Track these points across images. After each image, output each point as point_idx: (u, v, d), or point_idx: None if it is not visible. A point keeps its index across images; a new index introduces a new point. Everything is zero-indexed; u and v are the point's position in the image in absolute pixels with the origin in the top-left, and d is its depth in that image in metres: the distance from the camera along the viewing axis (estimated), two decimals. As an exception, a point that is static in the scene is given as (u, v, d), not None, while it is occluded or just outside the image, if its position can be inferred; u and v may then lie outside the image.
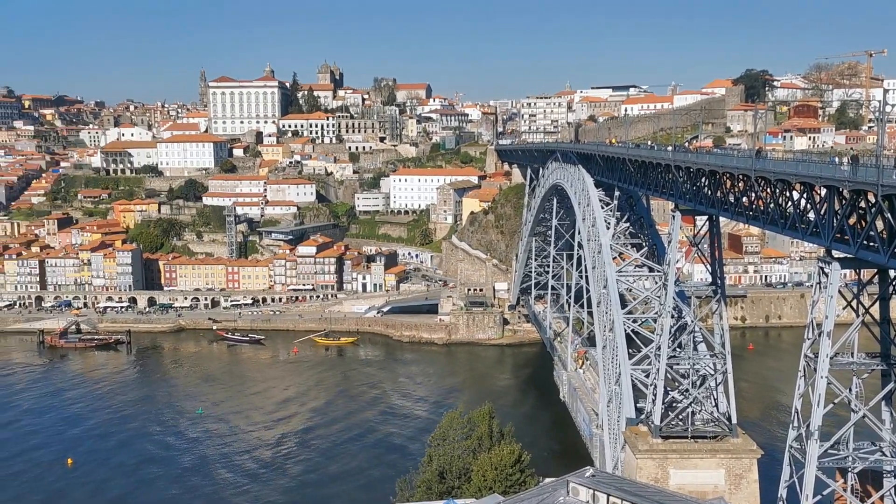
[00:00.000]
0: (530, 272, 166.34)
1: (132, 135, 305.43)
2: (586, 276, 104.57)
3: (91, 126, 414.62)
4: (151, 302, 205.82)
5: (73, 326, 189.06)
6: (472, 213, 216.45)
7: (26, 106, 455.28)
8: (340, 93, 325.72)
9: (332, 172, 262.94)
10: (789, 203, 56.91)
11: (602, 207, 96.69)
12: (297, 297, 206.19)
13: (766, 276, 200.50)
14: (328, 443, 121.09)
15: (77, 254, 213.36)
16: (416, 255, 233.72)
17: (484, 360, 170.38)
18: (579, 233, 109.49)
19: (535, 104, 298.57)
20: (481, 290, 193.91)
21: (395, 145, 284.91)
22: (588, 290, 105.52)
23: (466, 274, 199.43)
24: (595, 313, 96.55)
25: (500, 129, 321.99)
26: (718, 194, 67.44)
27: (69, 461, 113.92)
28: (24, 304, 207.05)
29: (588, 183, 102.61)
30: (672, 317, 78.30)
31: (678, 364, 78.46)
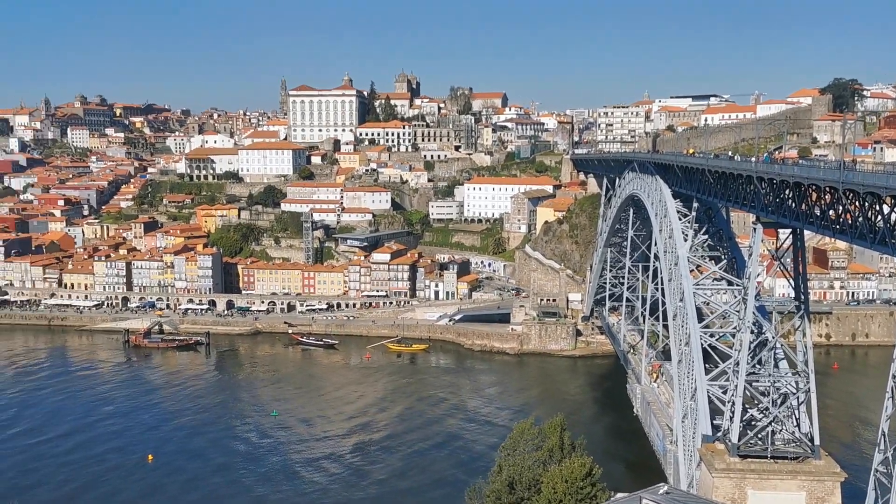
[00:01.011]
0: (605, 283, 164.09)
1: (215, 142, 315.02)
2: (662, 289, 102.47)
3: (177, 133, 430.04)
4: (230, 305, 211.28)
5: (156, 327, 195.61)
6: (546, 222, 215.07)
7: (117, 114, 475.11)
8: (417, 101, 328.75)
9: (407, 180, 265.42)
10: (879, 217, 54.60)
11: (680, 219, 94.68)
12: (370, 303, 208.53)
13: (853, 293, 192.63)
14: (398, 449, 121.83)
15: (161, 256, 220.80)
16: (489, 264, 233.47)
17: (556, 372, 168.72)
18: (655, 244, 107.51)
19: (611, 113, 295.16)
20: (554, 300, 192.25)
21: (469, 154, 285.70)
22: (664, 303, 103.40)
23: (539, 284, 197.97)
24: (671, 326, 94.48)
25: (575, 139, 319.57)
26: (803, 207, 65.21)
27: (150, 457, 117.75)
28: (111, 304, 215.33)
29: (665, 194, 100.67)
30: (752, 332, 75.99)
31: (757, 381, 76.06)
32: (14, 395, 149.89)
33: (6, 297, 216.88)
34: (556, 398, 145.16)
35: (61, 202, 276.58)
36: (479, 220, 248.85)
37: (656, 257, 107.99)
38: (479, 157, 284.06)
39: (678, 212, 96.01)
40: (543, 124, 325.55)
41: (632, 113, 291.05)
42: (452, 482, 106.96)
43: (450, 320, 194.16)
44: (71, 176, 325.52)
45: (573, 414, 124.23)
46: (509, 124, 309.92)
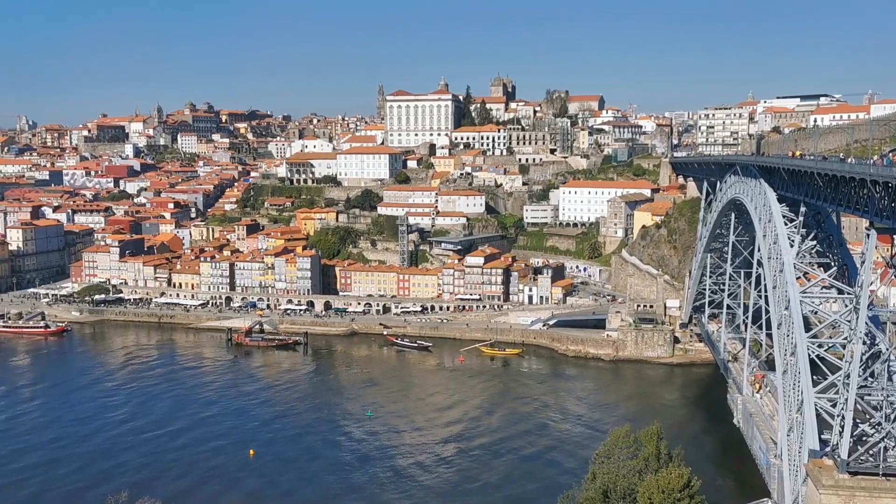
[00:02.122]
0: (704, 289, 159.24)
1: (314, 147, 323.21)
2: (766, 296, 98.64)
3: (278, 138, 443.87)
4: (327, 306, 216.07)
5: (257, 326, 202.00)
6: (643, 226, 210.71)
7: (223, 120, 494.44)
8: (512, 105, 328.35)
9: (501, 184, 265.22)
10: None
11: (785, 224, 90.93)
12: (464, 307, 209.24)
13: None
14: (492, 452, 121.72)
15: (262, 258, 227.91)
16: (584, 269, 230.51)
17: (652, 379, 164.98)
18: (759, 250, 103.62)
19: (713, 115, 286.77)
20: (651, 306, 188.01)
21: (565, 157, 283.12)
22: (767, 311, 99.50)
23: (636, 289, 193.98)
24: (775, 336, 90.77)
25: (674, 142, 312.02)
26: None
27: (251, 452, 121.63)
28: (215, 303, 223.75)
29: (770, 198, 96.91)
30: (864, 343, 72.19)
31: (870, 395, 72.20)
32: (128, 389, 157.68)
33: (121, 295, 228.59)
34: (652, 406, 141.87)
35: (171, 205, 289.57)
36: (575, 224, 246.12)
37: (760, 263, 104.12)
38: (574, 160, 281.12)
39: (784, 216, 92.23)
40: (641, 127, 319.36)
41: (735, 114, 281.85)
42: (544, 489, 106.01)
43: (544, 325, 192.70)
44: (180, 180, 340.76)
45: (670, 423, 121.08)
46: (606, 127, 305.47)
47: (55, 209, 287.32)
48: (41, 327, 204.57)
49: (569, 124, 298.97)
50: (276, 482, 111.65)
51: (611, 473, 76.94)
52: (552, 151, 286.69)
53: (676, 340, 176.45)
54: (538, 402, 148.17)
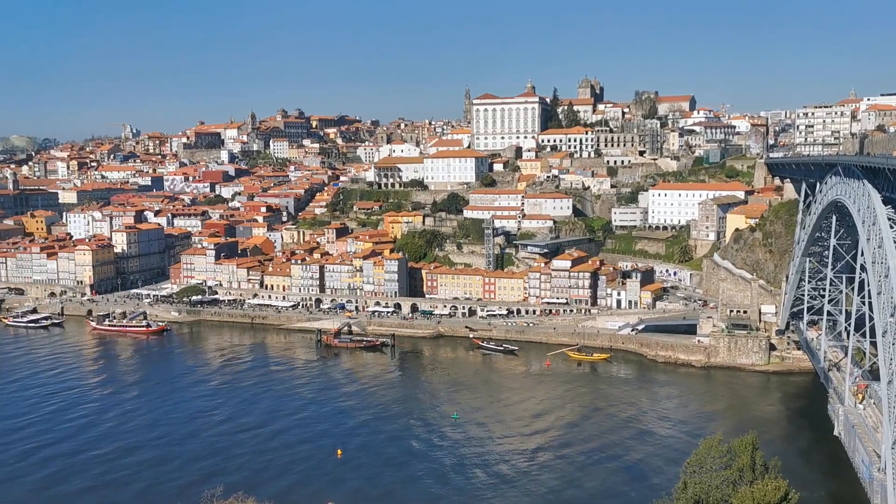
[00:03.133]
0: (802, 295, 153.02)
1: (402, 151, 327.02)
2: (869, 303, 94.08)
3: (367, 143, 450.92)
4: (414, 308, 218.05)
5: (346, 328, 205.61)
6: (737, 229, 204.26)
7: (314, 126, 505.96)
8: (600, 107, 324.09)
9: (588, 187, 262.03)
10: None
11: (891, 227, 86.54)
12: (550, 310, 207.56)
13: None
14: (578, 459, 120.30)
15: (351, 261, 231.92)
16: (675, 273, 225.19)
17: (746, 387, 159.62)
18: (862, 254, 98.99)
19: (812, 114, 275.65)
20: (745, 312, 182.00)
21: (654, 159, 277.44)
22: (871, 318, 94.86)
23: (729, 294, 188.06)
24: (880, 344, 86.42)
25: (770, 142, 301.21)
26: None
27: (339, 452, 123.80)
28: (305, 305, 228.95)
29: (875, 199, 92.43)
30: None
31: None
32: (223, 389, 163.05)
33: (216, 296, 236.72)
34: (747, 415, 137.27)
35: (264, 209, 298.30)
36: (664, 228, 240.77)
37: (863, 268, 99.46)
38: (664, 162, 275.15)
39: (889, 219, 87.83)
40: (735, 127, 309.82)
41: (836, 113, 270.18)
42: (634, 496, 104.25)
43: (632, 330, 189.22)
44: (272, 184, 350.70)
45: (765, 432, 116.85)
46: (697, 128, 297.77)
47: (156, 213, 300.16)
48: (143, 326, 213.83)
49: (658, 126, 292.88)
50: (365, 482, 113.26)
51: (703, 483, 74.79)
52: (641, 153, 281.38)
53: (772, 347, 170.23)
54: (626, 408, 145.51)
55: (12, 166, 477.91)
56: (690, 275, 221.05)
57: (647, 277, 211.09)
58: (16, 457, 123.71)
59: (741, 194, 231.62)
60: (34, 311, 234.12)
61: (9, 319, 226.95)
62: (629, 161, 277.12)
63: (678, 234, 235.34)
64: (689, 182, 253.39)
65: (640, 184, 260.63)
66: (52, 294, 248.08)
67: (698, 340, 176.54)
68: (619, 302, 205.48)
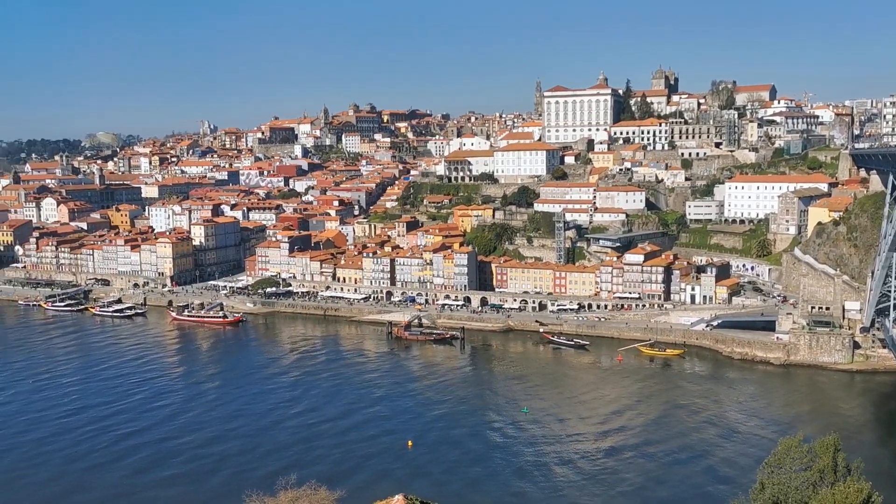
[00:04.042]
0: (889, 291, 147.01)
1: (472, 144, 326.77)
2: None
3: (437, 137, 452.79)
4: (483, 302, 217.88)
5: (416, 320, 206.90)
6: (819, 223, 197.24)
7: (385, 120, 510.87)
8: (675, 98, 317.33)
9: (662, 179, 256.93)
10: None
11: None
12: (622, 305, 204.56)
13: None
14: (652, 455, 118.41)
15: (421, 254, 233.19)
16: (752, 268, 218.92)
17: (828, 386, 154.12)
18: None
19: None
20: (827, 308, 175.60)
21: (731, 151, 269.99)
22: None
23: (810, 290, 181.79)
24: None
25: (856, 132, 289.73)
26: None
27: (409, 443, 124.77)
28: (376, 297, 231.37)
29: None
30: None
31: None
32: (297, 377, 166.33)
33: (290, 288, 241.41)
34: (828, 415, 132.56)
35: (336, 203, 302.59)
36: (741, 221, 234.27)
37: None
38: (742, 153, 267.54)
39: None
40: (817, 117, 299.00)
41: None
42: (705, 495, 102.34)
43: (707, 326, 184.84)
44: (344, 179, 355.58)
45: (849, 433, 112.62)
46: (777, 118, 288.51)
47: (232, 207, 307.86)
48: (220, 317, 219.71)
49: (736, 116, 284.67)
50: (434, 473, 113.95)
51: (781, 484, 72.35)
52: (717, 145, 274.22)
53: (856, 346, 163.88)
54: (701, 405, 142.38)
55: (99, 162, 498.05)
56: (769, 270, 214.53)
57: (723, 272, 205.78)
58: (108, 442, 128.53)
59: (824, 187, 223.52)
60: (119, 301, 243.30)
61: (96, 309, 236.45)
62: (705, 153, 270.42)
63: (756, 228, 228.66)
64: (768, 174, 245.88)
65: (716, 176, 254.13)
66: (136, 285, 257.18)
67: (777, 337, 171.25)
68: (693, 297, 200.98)
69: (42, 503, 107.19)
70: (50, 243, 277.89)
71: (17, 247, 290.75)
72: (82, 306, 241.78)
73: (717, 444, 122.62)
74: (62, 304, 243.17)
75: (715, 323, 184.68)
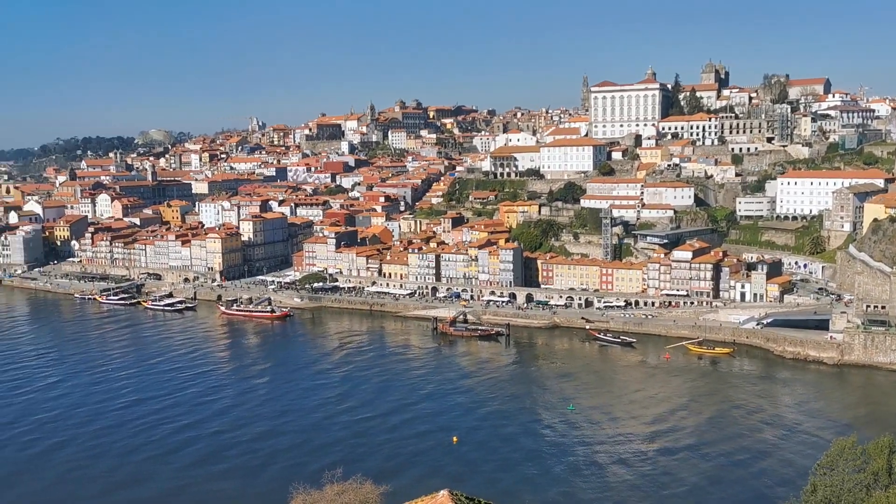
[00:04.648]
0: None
1: (518, 140, 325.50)
2: None
3: (483, 133, 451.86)
4: (529, 298, 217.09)
5: (462, 316, 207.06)
6: (875, 220, 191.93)
7: (431, 116, 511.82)
8: (725, 92, 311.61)
9: (711, 175, 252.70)
10: None
11: None
12: (670, 303, 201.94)
13: None
14: (700, 455, 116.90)
15: (466, 250, 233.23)
16: (805, 265, 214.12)
17: (884, 387, 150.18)
18: None
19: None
20: (883, 307, 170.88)
21: (784, 146, 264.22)
22: None
23: (865, 288, 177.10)
24: None
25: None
26: None
27: (454, 439, 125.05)
28: (422, 293, 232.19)
29: None
30: None
31: None
32: (343, 372, 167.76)
33: (336, 283, 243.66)
34: (884, 417, 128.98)
35: (382, 199, 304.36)
36: (794, 218, 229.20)
37: None
38: (794, 148, 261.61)
39: None
40: (874, 111, 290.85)
41: None
42: (756, 497, 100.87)
43: (757, 324, 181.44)
44: (390, 175, 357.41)
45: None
46: (832, 112, 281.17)
47: (280, 203, 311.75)
48: (268, 312, 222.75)
49: (788, 110, 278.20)
50: (479, 469, 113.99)
51: (834, 487, 70.84)
52: (769, 140, 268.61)
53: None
54: (751, 405, 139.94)
55: (151, 159, 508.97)
56: (822, 267, 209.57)
57: (775, 270, 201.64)
58: (163, 434, 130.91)
59: (881, 182, 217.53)
60: (170, 295, 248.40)
61: (148, 303, 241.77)
62: (756, 148, 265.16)
63: (809, 225, 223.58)
64: (822, 169, 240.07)
65: (767, 172, 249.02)
66: (186, 279, 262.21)
67: (831, 336, 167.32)
68: (743, 295, 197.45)
69: (102, 494, 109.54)
70: (104, 238, 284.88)
71: (73, 241, 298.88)
72: (135, 300, 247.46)
73: (770, 445, 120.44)
74: (116, 297, 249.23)
75: (766, 321, 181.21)
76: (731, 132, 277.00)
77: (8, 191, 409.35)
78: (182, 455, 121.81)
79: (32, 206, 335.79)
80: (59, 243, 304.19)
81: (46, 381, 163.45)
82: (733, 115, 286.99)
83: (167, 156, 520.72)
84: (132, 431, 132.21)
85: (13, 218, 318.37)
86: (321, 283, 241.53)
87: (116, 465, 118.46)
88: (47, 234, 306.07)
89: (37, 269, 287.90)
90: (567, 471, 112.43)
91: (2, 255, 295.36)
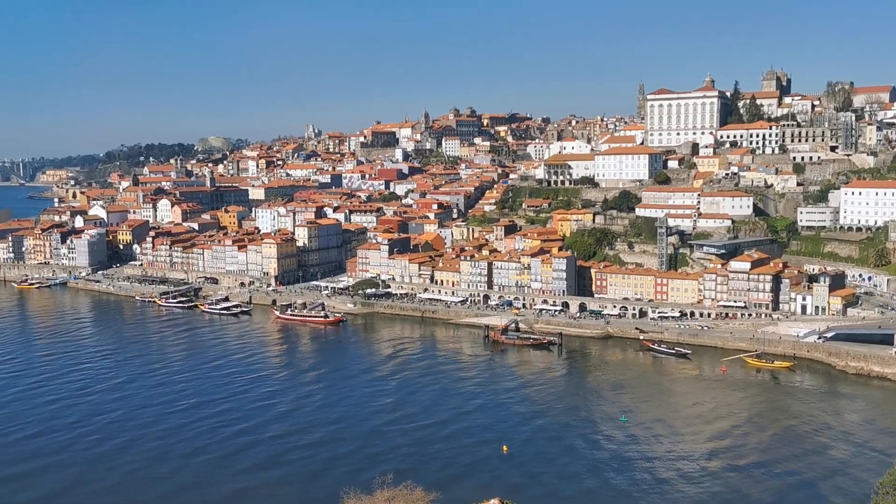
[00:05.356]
0: None
1: (572, 148, 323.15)
2: None
3: (537, 141, 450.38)
4: (582, 307, 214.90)
5: (513, 325, 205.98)
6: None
7: (484, 124, 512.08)
8: (787, 100, 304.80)
9: (772, 184, 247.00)
10: None
11: None
12: (727, 314, 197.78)
13: None
14: (760, 471, 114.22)
15: (519, 258, 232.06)
16: (869, 278, 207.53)
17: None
18: None
19: None
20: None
21: (848, 155, 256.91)
22: None
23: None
24: None
25: None
26: None
27: (504, 448, 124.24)
28: (473, 300, 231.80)
29: None
30: None
31: None
32: (396, 379, 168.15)
33: (389, 289, 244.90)
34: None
35: (435, 206, 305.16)
36: (858, 229, 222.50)
37: None
38: (859, 158, 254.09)
39: None
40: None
41: None
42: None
43: (819, 338, 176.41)
44: (443, 182, 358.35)
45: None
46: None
47: (335, 209, 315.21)
48: (321, 317, 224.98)
49: (853, 119, 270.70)
50: (538, 480, 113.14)
51: (899, 508, 68.33)
52: (832, 149, 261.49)
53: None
54: (812, 421, 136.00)
55: (210, 165, 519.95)
56: (888, 280, 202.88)
57: (837, 282, 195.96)
58: (223, 438, 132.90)
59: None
60: (226, 299, 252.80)
61: (205, 306, 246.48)
62: (818, 157, 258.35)
63: (874, 236, 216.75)
64: (888, 179, 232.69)
65: (830, 181, 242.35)
66: (242, 284, 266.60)
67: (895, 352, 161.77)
68: (803, 307, 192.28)
69: (167, 496, 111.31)
70: (164, 242, 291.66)
71: (135, 245, 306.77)
72: (192, 303, 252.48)
73: (826, 462, 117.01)
74: (174, 300, 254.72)
75: (828, 335, 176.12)
76: (792, 140, 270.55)
77: (74, 195, 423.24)
78: (241, 459, 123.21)
79: (97, 210, 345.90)
80: (121, 247, 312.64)
81: (110, 382, 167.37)
82: (795, 123, 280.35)
83: (225, 162, 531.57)
84: (193, 434, 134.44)
85: (79, 222, 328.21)
86: (374, 289, 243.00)
87: (179, 468, 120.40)
88: (111, 237, 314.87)
89: (100, 272, 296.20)
90: (629, 485, 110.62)
91: (68, 257, 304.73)
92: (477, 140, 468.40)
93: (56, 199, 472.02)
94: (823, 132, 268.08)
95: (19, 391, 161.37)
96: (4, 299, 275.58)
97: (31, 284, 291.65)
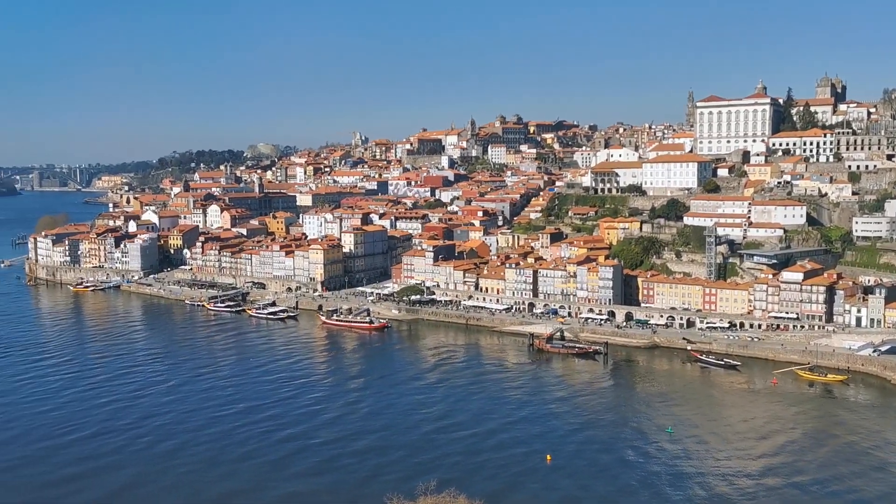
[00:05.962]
0: None
1: (620, 156, 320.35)
2: None
3: (584, 148, 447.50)
4: (628, 317, 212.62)
5: (559, 333, 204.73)
6: None
7: (531, 131, 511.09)
8: (842, 107, 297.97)
9: (826, 193, 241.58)
10: None
11: None
12: (778, 325, 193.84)
13: None
14: (820, 489, 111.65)
15: (565, 266, 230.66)
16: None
17: None
18: None
19: None
20: None
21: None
22: None
23: None
24: None
25: None
26: None
27: (548, 458, 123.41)
28: (518, 308, 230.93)
29: None
30: None
31: None
32: (441, 387, 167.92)
33: (434, 296, 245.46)
34: None
35: (480, 213, 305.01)
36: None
37: None
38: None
39: None
40: None
41: None
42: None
43: (875, 351, 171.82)
44: (489, 189, 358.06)
45: None
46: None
47: (381, 216, 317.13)
48: (367, 323, 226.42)
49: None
50: (575, 490, 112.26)
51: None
52: (889, 157, 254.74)
53: None
54: (871, 437, 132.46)
55: (258, 171, 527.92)
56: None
57: (893, 294, 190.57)
58: (272, 442, 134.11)
59: None
60: (273, 304, 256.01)
61: (252, 311, 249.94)
62: (875, 166, 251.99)
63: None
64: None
65: (887, 191, 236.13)
66: (289, 289, 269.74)
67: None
68: (858, 320, 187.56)
69: (220, 500, 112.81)
70: (214, 247, 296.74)
71: (185, 250, 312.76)
72: (240, 308, 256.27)
73: (879, 480, 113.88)
74: (223, 305, 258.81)
75: (884, 348, 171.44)
76: (847, 149, 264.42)
77: (128, 201, 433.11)
78: (291, 464, 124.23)
79: (150, 215, 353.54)
80: (172, 251, 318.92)
81: (162, 385, 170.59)
82: (850, 130, 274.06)
83: (273, 169, 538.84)
84: (243, 438, 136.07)
85: (132, 227, 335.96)
86: (418, 296, 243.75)
87: (231, 471, 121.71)
88: (162, 242, 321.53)
89: (152, 276, 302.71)
90: (684, 500, 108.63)
91: (121, 261, 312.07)
92: (523, 147, 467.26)
93: (111, 205, 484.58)
94: (879, 140, 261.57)
95: (76, 392, 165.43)
96: (61, 302, 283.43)
97: (86, 287, 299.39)
